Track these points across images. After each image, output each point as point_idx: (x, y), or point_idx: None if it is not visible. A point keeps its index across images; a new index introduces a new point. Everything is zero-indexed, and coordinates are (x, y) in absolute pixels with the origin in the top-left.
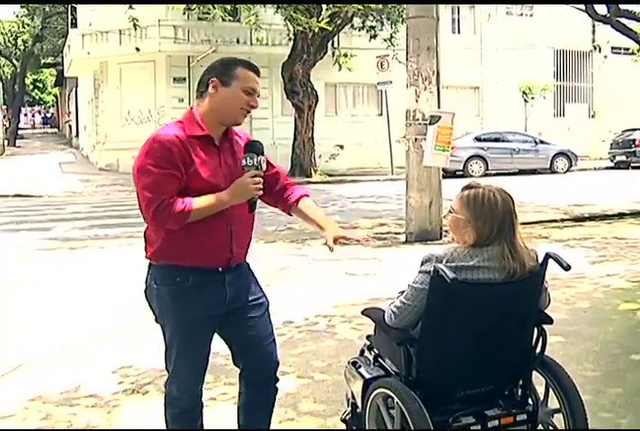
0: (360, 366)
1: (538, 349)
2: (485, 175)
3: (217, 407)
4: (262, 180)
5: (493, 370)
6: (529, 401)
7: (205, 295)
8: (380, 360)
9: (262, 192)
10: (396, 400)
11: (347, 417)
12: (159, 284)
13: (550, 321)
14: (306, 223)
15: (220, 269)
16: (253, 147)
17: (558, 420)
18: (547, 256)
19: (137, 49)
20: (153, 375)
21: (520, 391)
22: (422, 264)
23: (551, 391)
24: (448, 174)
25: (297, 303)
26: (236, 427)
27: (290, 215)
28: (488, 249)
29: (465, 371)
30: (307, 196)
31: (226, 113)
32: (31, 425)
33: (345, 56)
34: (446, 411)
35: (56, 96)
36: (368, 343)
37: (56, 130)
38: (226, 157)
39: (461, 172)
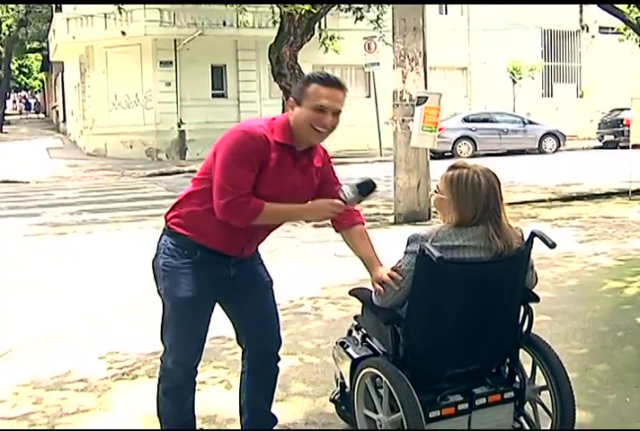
0: (347, 346)
1: (525, 327)
2: (474, 156)
3: (206, 390)
4: (339, 212)
5: (481, 348)
6: (517, 379)
7: (209, 271)
8: (368, 340)
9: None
10: (384, 379)
11: (336, 397)
12: (168, 254)
13: (537, 299)
14: (352, 251)
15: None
16: (363, 186)
17: (545, 397)
18: (533, 234)
19: (123, 33)
20: (141, 360)
21: (507, 368)
22: (408, 244)
23: (538, 368)
24: (437, 155)
25: (286, 285)
26: (228, 409)
27: (337, 232)
28: (473, 228)
29: (452, 350)
30: (363, 223)
31: (298, 134)
32: (21, 410)
33: (332, 38)
34: (433, 390)
35: (42, 81)
36: (355, 323)
37: (43, 116)
38: (300, 170)
39: (450, 153)
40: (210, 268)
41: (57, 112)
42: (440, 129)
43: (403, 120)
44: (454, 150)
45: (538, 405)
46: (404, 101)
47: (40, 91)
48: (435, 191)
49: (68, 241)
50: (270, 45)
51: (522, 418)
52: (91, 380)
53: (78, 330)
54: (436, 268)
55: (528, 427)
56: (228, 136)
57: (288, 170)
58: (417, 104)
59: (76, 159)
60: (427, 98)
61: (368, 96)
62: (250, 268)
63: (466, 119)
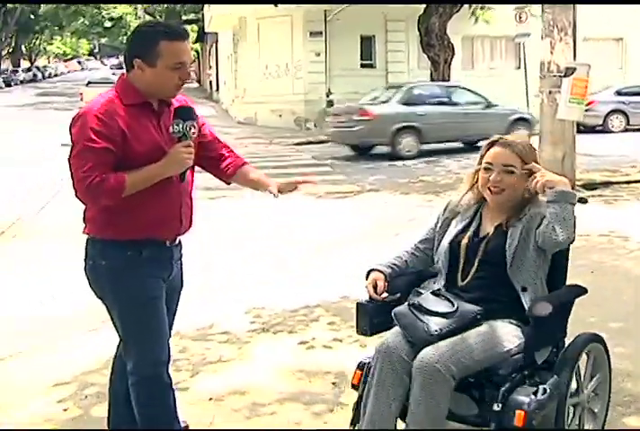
0: None
1: None
2: (626, 130)
3: (342, 348)
4: (193, 150)
5: None
6: None
7: (156, 267)
8: None
9: (191, 162)
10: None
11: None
12: (109, 259)
13: None
14: (248, 185)
15: (168, 244)
16: (180, 113)
17: None
18: None
19: (275, 5)
20: (283, 316)
21: None
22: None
23: None
24: (587, 129)
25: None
26: None
27: (229, 183)
28: None
29: None
30: (246, 163)
31: (158, 91)
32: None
33: (482, 8)
34: None
35: (197, 51)
36: None
37: (197, 85)
38: (167, 123)
39: (601, 127)
40: (156, 266)
41: (211, 82)
42: (590, 103)
43: (550, 92)
44: (605, 124)
45: None
46: (552, 72)
47: (195, 60)
48: (511, 172)
49: (220, 204)
50: (419, 16)
51: None
52: (233, 332)
53: (223, 287)
54: None
55: None
56: (73, 126)
57: (156, 126)
58: (565, 75)
59: (228, 127)
60: (575, 69)
61: (518, 67)
62: (180, 269)
63: (619, 93)
